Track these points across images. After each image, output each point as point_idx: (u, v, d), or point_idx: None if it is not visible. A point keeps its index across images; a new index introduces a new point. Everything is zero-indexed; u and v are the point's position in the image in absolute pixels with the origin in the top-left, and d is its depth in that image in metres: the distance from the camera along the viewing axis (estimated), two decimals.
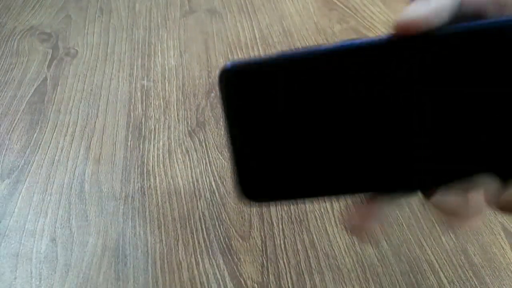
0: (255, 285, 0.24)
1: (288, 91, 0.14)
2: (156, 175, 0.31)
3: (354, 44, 0.13)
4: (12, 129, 0.36)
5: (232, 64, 0.14)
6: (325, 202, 0.28)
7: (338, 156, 0.13)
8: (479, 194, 0.13)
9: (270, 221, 0.28)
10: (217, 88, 0.39)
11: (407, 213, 0.27)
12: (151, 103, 0.38)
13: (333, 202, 0.28)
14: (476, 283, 0.24)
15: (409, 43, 0.13)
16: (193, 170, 0.32)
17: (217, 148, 0.33)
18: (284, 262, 0.25)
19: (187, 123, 0.36)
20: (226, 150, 0.33)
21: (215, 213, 0.28)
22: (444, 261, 0.25)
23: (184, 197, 0.30)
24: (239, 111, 0.15)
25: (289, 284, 0.24)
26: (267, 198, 0.15)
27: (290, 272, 0.25)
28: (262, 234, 0.27)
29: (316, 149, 0.14)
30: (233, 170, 0.15)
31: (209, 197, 0.29)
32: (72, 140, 0.35)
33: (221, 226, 0.27)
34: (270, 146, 0.14)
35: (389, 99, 0.13)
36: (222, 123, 0.36)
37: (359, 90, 0.13)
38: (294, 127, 0.14)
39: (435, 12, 0.13)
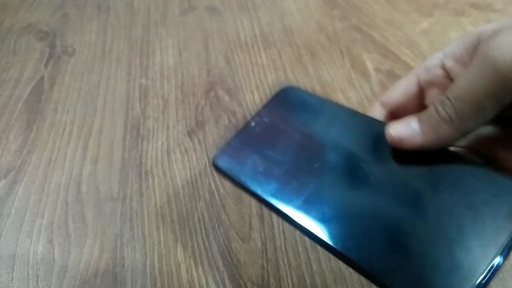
0: (255, 287, 0.24)
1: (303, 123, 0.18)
2: (155, 176, 0.31)
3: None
4: (9, 128, 0.36)
5: (290, 85, 0.20)
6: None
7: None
8: None
9: (270, 222, 0.27)
10: (218, 87, 0.38)
11: None
12: (149, 102, 0.37)
13: None
14: None
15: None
16: (192, 170, 0.31)
17: (216, 148, 0.33)
18: (284, 264, 0.25)
19: (186, 122, 0.35)
20: None
21: (214, 214, 0.28)
22: None
23: (183, 198, 0.29)
24: (275, 113, 0.19)
25: (290, 287, 0.24)
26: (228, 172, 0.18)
27: (291, 274, 0.24)
28: (262, 235, 0.26)
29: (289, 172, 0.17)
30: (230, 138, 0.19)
31: (208, 198, 0.29)
32: (70, 140, 0.34)
33: (221, 228, 0.27)
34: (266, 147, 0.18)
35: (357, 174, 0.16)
36: (221, 122, 0.35)
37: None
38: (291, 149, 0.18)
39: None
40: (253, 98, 0.37)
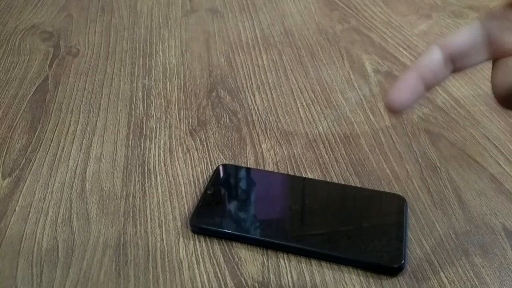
0: (256, 284, 0.24)
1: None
2: (157, 174, 0.31)
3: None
4: (13, 127, 0.37)
5: (224, 164, 0.31)
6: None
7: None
8: None
9: None
10: (219, 88, 0.39)
11: (407, 214, 0.27)
12: (152, 102, 0.38)
13: None
14: (477, 283, 0.24)
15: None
16: (194, 169, 0.32)
17: (217, 147, 0.33)
18: (284, 261, 0.25)
19: (188, 122, 0.36)
20: (226, 149, 0.33)
21: None
22: (445, 261, 0.25)
23: (185, 196, 0.30)
24: (221, 182, 0.30)
25: (290, 284, 0.24)
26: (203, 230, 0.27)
27: (291, 271, 0.25)
28: None
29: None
30: (196, 207, 0.28)
31: None
32: (74, 139, 0.35)
33: None
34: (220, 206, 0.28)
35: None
36: (223, 122, 0.36)
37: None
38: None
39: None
40: (254, 98, 0.38)
